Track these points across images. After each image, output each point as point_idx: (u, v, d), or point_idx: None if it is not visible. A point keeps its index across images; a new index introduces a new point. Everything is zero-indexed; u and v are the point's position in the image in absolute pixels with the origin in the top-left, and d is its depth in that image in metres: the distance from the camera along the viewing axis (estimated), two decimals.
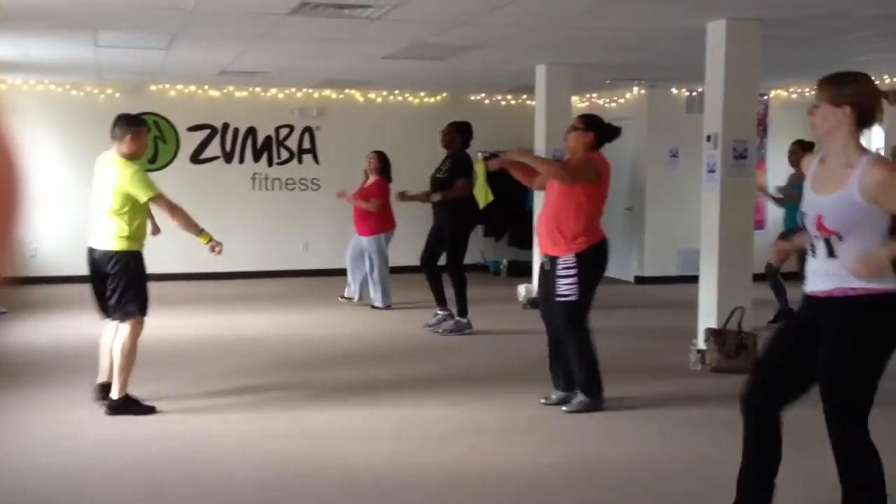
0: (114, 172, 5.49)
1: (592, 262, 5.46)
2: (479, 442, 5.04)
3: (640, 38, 7.88)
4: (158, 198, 5.49)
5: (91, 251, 5.57)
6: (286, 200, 12.48)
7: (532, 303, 9.65)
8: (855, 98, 3.28)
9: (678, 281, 11.18)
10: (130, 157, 5.55)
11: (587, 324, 5.56)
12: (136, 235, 5.52)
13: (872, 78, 3.45)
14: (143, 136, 5.71)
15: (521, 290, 9.90)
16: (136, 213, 5.51)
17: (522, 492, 4.24)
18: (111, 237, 5.48)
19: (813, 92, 3.45)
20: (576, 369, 5.57)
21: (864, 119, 3.32)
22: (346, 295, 10.08)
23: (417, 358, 7.30)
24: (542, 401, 5.74)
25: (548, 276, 5.55)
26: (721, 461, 4.68)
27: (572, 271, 5.39)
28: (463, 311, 8.33)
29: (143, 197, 5.44)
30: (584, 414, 5.50)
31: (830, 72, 3.44)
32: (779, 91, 12.10)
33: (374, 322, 9.00)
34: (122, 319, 5.49)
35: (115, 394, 5.49)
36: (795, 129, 11.58)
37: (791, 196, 8.01)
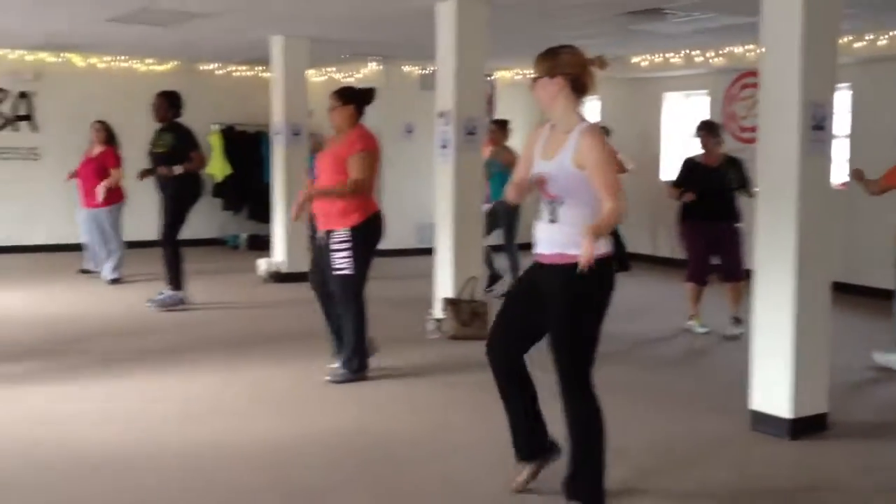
0: None
1: (365, 235, 5.58)
2: (225, 419, 4.96)
3: (373, 14, 8.01)
4: None
5: None
6: (1, 171, 11.47)
7: (273, 276, 9.61)
8: (566, 68, 3.58)
9: (416, 253, 11.53)
10: None
11: (362, 296, 5.66)
12: None
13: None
14: None
15: (262, 263, 9.80)
16: None
17: (269, 468, 4.22)
18: None
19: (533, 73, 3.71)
20: (346, 340, 5.67)
21: (578, 87, 3.61)
22: (85, 267, 9.63)
23: (154, 334, 7.03)
24: (328, 366, 5.85)
25: (322, 251, 5.62)
26: (461, 423, 4.96)
27: (346, 245, 5.50)
28: (178, 285, 8.09)
29: None
30: (332, 385, 5.60)
31: None
32: (503, 72, 12.75)
33: (105, 297, 8.57)
34: None
35: None
36: (520, 108, 12.30)
37: (491, 173, 8.58)
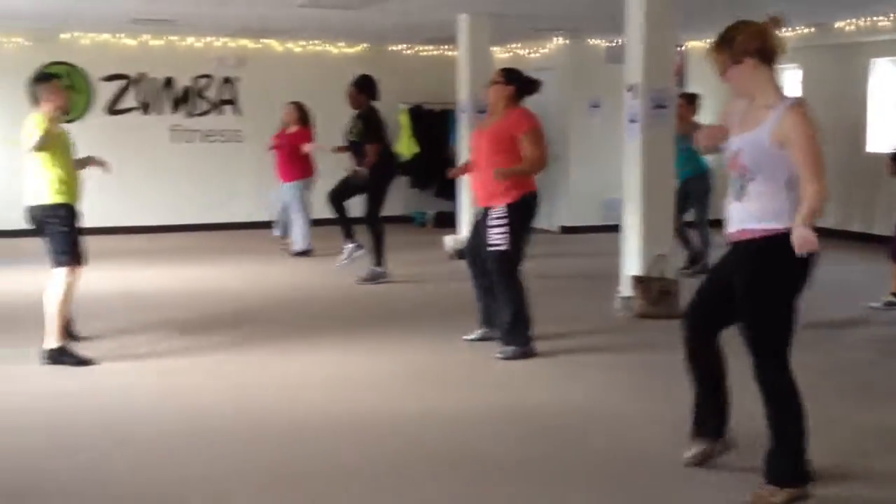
0: (25, 125, 5.55)
1: (522, 211, 5.60)
2: (409, 389, 5.11)
3: None
4: (38, 140, 5.44)
5: (27, 209, 5.64)
6: (207, 152, 12.24)
7: (459, 253, 9.75)
8: (748, 45, 3.41)
9: (602, 230, 11.38)
10: (53, 112, 5.56)
11: (519, 272, 5.69)
12: (62, 188, 5.54)
13: (753, 20, 3.53)
14: (55, 89, 5.66)
15: (448, 240, 9.96)
16: (57, 165, 5.52)
17: (453, 438, 4.31)
18: (37, 191, 5.57)
19: None
20: (506, 317, 5.70)
21: (766, 57, 3.44)
22: (282, 242, 10.17)
23: (344, 306, 7.34)
24: (464, 338, 6.05)
25: (479, 227, 5.70)
26: (647, 403, 4.86)
27: (503, 220, 5.54)
28: (379, 261, 8.39)
29: (25, 146, 5.49)
30: (515, 360, 5.62)
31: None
32: (695, 42, 12.31)
33: (299, 272, 8.98)
34: (54, 267, 5.56)
35: (49, 343, 5.52)
36: (712, 79, 11.82)
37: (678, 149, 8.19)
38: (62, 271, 5.55)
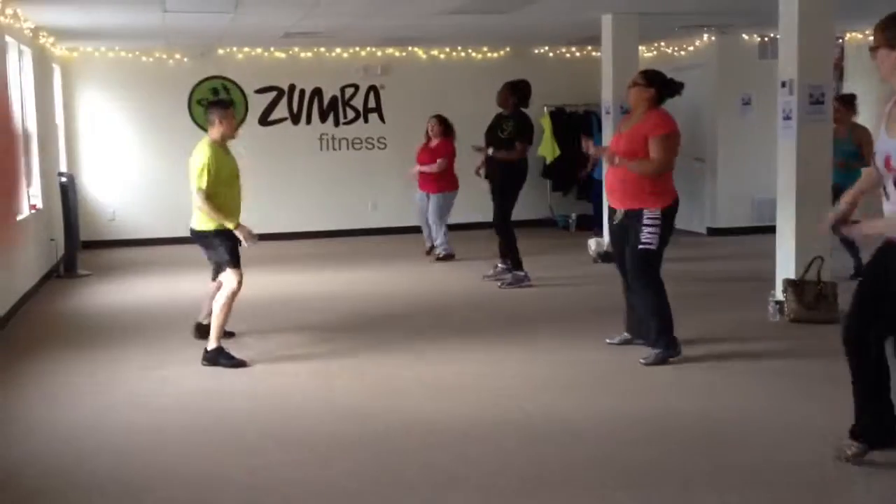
0: (195, 154, 5.83)
1: (671, 216, 5.58)
2: (552, 395, 5.06)
3: None
4: (200, 192, 5.71)
5: (190, 229, 5.98)
6: (353, 160, 12.54)
7: (602, 256, 9.60)
8: None
9: (751, 232, 10.98)
10: (222, 138, 5.86)
11: (659, 275, 5.62)
12: (221, 211, 5.78)
13: None
14: (230, 117, 5.93)
15: (592, 243, 9.83)
16: (217, 195, 5.77)
17: (599, 444, 4.24)
18: (197, 216, 5.87)
19: None
20: (648, 319, 5.64)
21: None
22: (427, 247, 10.35)
23: (487, 311, 7.34)
24: (608, 341, 6.02)
25: (625, 229, 5.62)
26: (802, 411, 4.64)
27: (657, 223, 5.47)
28: (518, 265, 8.37)
29: (195, 185, 5.75)
30: (662, 366, 5.50)
31: None
32: (854, 34, 11.70)
33: (442, 277, 9.07)
34: (218, 270, 5.91)
35: (209, 344, 5.80)
36: (872, 73, 11.18)
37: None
38: (229, 273, 5.81)
